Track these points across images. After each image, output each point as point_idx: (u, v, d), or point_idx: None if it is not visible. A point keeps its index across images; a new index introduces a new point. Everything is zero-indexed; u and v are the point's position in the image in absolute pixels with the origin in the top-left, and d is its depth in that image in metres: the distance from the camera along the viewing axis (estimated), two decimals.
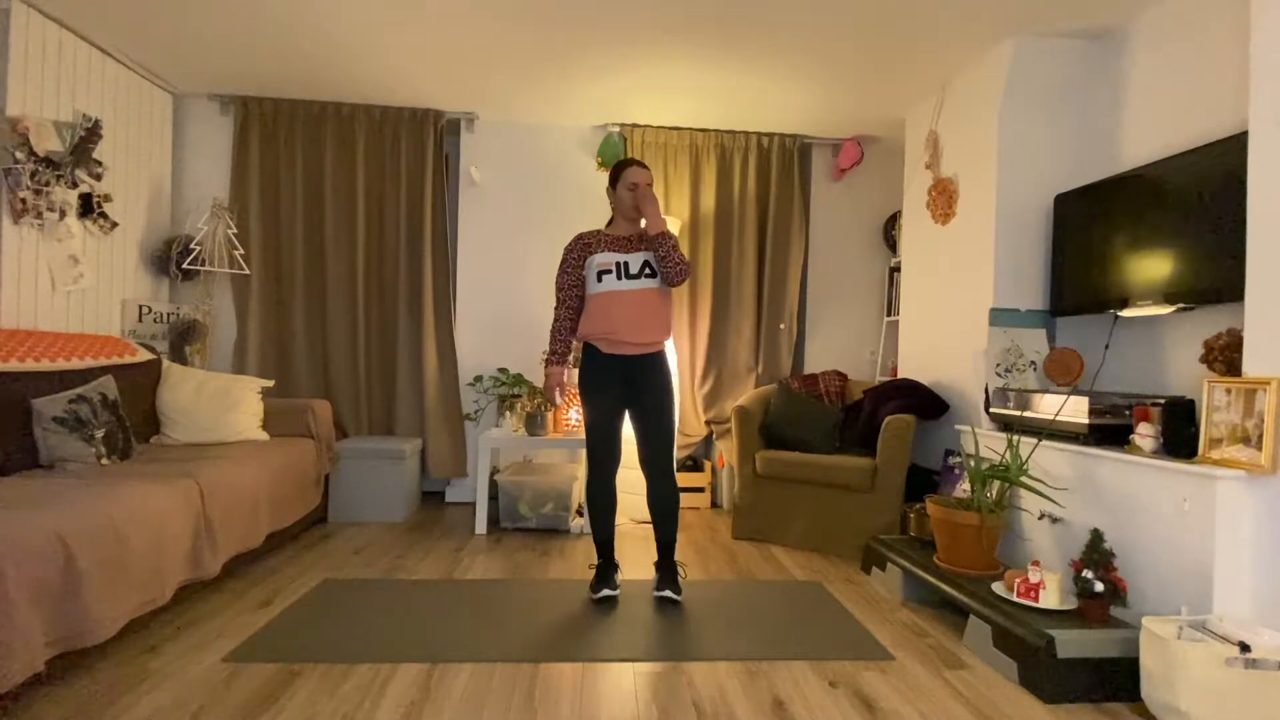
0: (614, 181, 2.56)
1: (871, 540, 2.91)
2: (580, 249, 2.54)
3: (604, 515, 2.58)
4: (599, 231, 2.57)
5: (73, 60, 3.07)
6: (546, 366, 2.61)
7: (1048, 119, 2.94)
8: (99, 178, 3.18)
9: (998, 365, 2.90)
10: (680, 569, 2.65)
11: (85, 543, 1.79)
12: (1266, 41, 1.92)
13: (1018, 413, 2.67)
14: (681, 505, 4.08)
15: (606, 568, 2.57)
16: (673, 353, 4.01)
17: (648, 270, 2.49)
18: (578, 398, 3.73)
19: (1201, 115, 2.40)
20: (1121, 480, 2.15)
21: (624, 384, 2.53)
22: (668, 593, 2.50)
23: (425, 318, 3.90)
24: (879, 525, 3.13)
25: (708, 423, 4.14)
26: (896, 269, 4.09)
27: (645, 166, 2.54)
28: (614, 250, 2.50)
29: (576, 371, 2.58)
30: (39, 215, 2.87)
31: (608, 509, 2.58)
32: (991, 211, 2.97)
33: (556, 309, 2.58)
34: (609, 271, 2.47)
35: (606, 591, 2.51)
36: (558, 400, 2.64)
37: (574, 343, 2.61)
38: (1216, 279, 2.17)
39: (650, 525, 3.70)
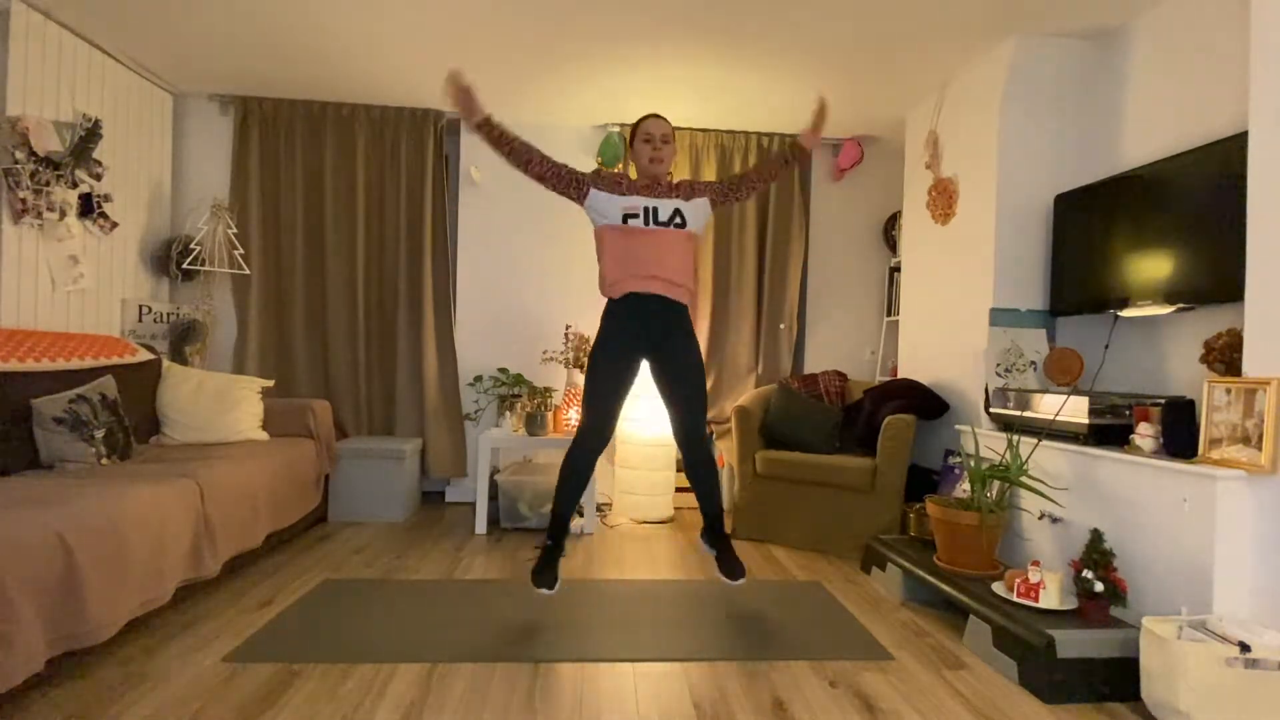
0: (632, 138, 2.46)
1: (871, 540, 2.91)
2: (615, 179, 2.39)
3: (576, 490, 2.37)
4: (624, 174, 2.41)
5: (73, 60, 3.07)
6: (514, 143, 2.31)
7: (1048, 119, 2.94)
8: (99, 178, 3.18)
9: (998, 365, 2.90)
10: (729, 541, 2.51)
11: (85, 543, 1.79)
12: (1266, 41, 1.92)
13: (1018, 413, 2.67)
14: (682, 506, 4.09)
15: (553, 555, 2.36)
16: None
17: (678, 219, 2.36)
18: (577, 398, 3.74)
19: (1201, 115, 2.40)
20: (1121, 480, 2.15)
21: (647, 345, 2.38)
22: (739, 580, 2.42)
23: (425, 318, 3.90)
24: (879, 525, 3.13)
25: (708, 423, 4.14)
26: (896, 269, 4.09)
27: (662, 117, 2.44)
28: (643, 195, 2.38)
29: (482, 129, 2.29)
30: (39, 215, 2.87)
31: (583, 485, 2.38)
32: (991, 211, 2.97)
33: (537, 157, 2.36)
34: (636, 216, 2.33)
35: (546, 591, 2.31)
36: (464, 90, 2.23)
37: (508, 145, 2.34)
38: (1216, 279, 2.17)
39: (649, 525, 3.70)
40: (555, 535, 2.39)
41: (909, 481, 3.28)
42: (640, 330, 2.38)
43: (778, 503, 3.37)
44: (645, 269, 2.33)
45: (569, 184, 2.40)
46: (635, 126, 2.47)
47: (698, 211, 2.44)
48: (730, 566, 2.45)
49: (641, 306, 2.37)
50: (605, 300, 2.44)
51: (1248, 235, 1.94)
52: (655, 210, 2.36)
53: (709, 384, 4.12)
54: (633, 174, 2.53)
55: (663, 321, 2.39)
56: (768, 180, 2.53)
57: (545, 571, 2.34)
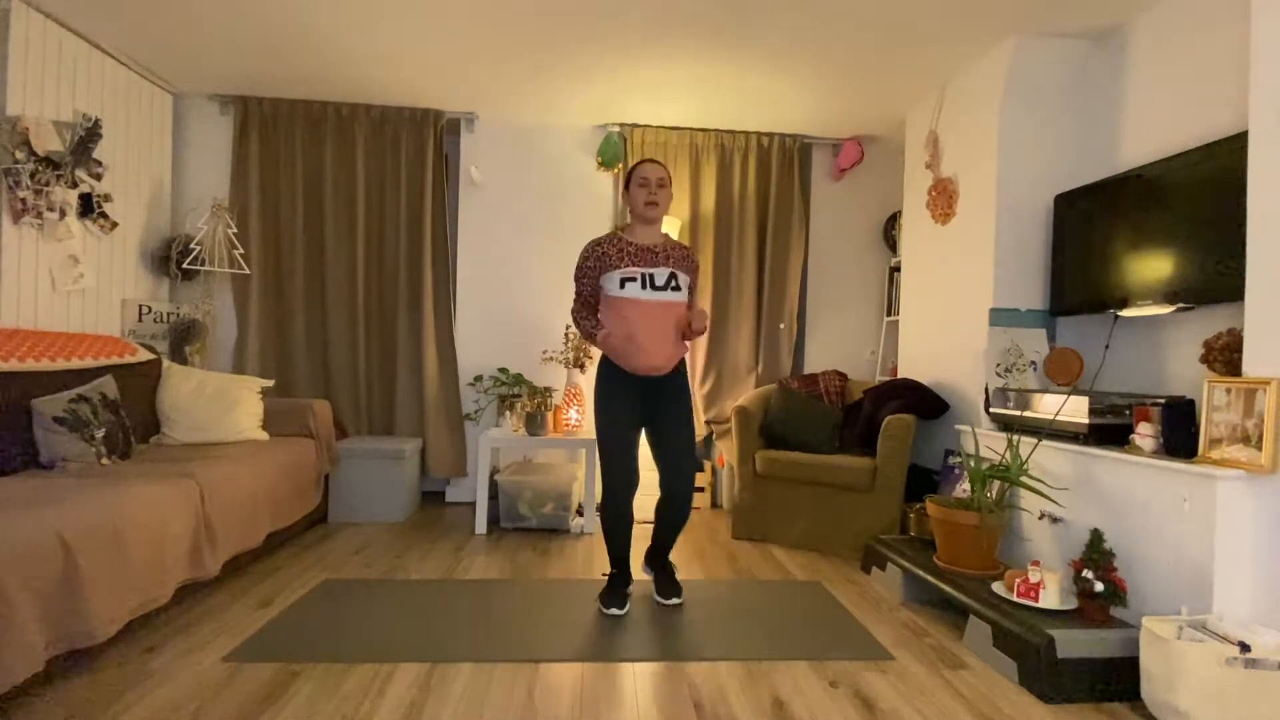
0: (627, 182, 2.46)
1: (871, 540, 2.91)
2: (596, 260, 2.42)
3: (621, 536, 2.47)
4: (619, 238, 2.44)
5: (73, 60, 3.07)
6: (598, 336, 2.44)
7: (1048, 119, 2.94)
8: (99, 178, 3.18)
9: (998, 365, 2.90)
10: (674, 567, 2.61)
11: (85, 543, 1.79)
12: (1266, 41, 1.92)
13: (1018, 413, 2.67)
14: None
15: (621, 580, 2.49)
16: None
17: (674, 284, 2.38)
18: (577, 398, 3.74)
19: (1201, 115, 2.39)
20: (1121, 480, 2.15)
21: (643, 395, 2.46)
22: (674, 600, 2.49)
23: (425, 318, 3.90)
24: (879, 525, 3.13)
25: (708, 423, 4.14)
26: (896, 269, 4.09)
27: (658, 162, 2.45)
28: (637, 264, 2.38)
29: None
30: (39, 215, 2.87)
31: (625, 530, 2.46)
32: (991, 211, 2.97)
33: (575, 301, 2.55)
34: (633, 280, 2.36)
35: (615, 611, 2.39)
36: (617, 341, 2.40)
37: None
38: (1216, 279, 2.17)
39: (650, 525, 3.70)
40: (615, 569, 2.52)
41: (909, 481, 3.28)
42: (638, 395, 2.46)
43: (778, 503, 3.37)
44: (643, 356, 2.35)
45: (593, 291, 2.49)
46: (631, 171, 2.47)
47: (687, 280, 2.47)
48: (669, 589, 2.53)
49: (637, 381, 2.45)
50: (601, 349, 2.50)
51: (1248, 235, 1.94)
52: (651, 277, 2.38)
53: (709, 385, 4.13)
54: (627, 217, 2.57)
55: (659, 390, 2.46)
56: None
57: (612, 596, 2.44)
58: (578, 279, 2.51)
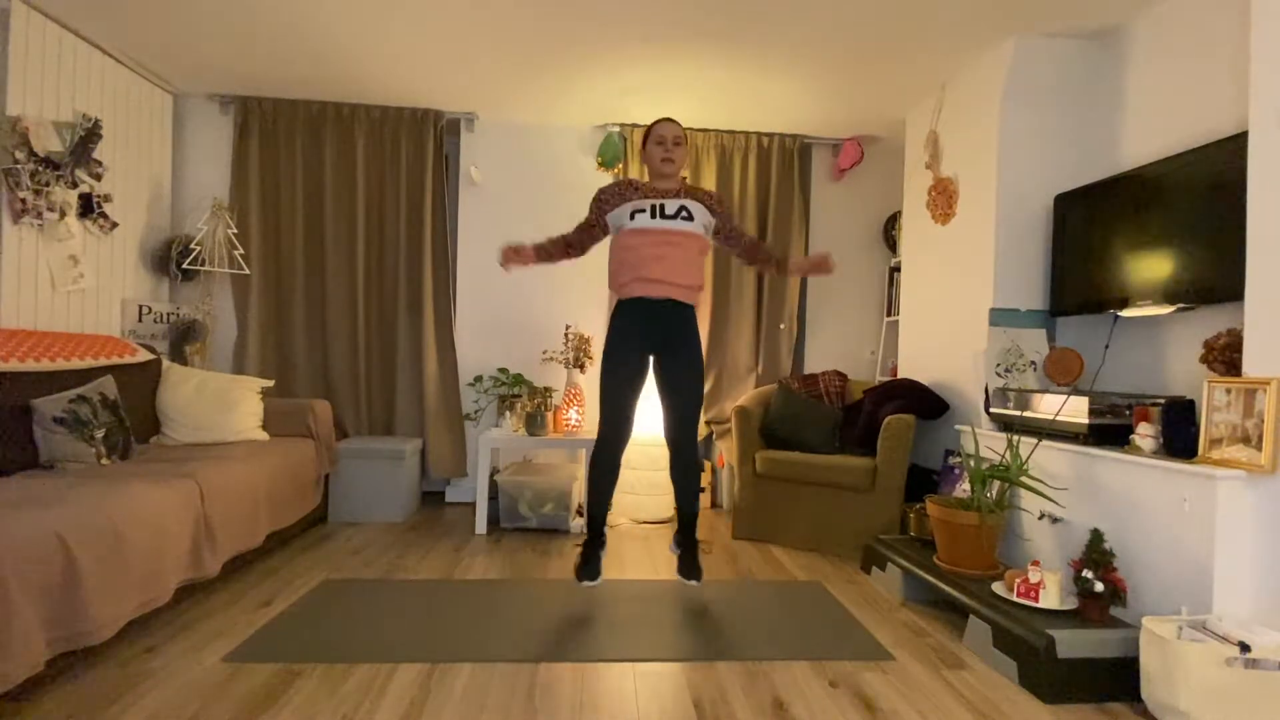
0: (644, 141, 2.53)
1: (871, 540, 2.91)
2: (620, 188, 2.50)
3: (606, 488, 2.48)
4: (640, 181, 2.54)
5: (73, 60, 3.07)
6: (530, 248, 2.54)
7: (1048, 119, 2.94)
8: (99, 178, 3.18)
9: (998, 365, 2.90)
10: (704, 546, 2.61)
11: (85, 543, 1.79)
12: (1266, 41, 1.92)
13: (1018, 413, 2.67)
14: None
15: (594, 546, 2.49)
16: None
17: (684, 213, 2.42)
18: (577, 398, 3.74)
19: (1201, 115, 2.40)
20: (1121, 480, 2.15)
21: (652, 345, 2.47)
22: (693, 581, 2.50)
23: (425, 318, 3.90)
24: (879, 525, 3.13)
25: (708, 423, 4.14)
26: (896, 269, 4.09)
27: (674, 121, 2.49)
28: (651, 196, 2.46)
29: (537, 263, 2.57)
30: (39, 215, 2.87)
31: (611, 482, 2.48)
32: (991, 211, 2.97)
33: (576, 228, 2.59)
34: (643, 211, 2.42)
35: (589, 583, 2.45)
36: (506, 259, 2.52)
37: (555, 255, 2.59)
38: (1216, 279, 2.17)
39: (649, 525, 3.71)
40: (592, 532, 2.52)
41: (909, 481, 3.28)
42: (647, 331, 2.46)
43: (778, 503, 3.37)
44: (652, 272, 2.39)
45: (592, 233, 2.57)
46: (647, 132, 2.52)
47: (703, 216, 2.48)
48: (690, 569, 2.53)
49: (648, 310, 2.44)
50: (614, 299, 2.53)
51: (1248, 235, 1.94)
52: (662, 206, 2.42)
53: (709, 385, 4.12)
54: (644, 177, 2.60)
55: (668, 324, 2.45)
56: (753, 259, 2.64)
57: (586, 565, 2.46)
58: (591, 206, 2.55)
